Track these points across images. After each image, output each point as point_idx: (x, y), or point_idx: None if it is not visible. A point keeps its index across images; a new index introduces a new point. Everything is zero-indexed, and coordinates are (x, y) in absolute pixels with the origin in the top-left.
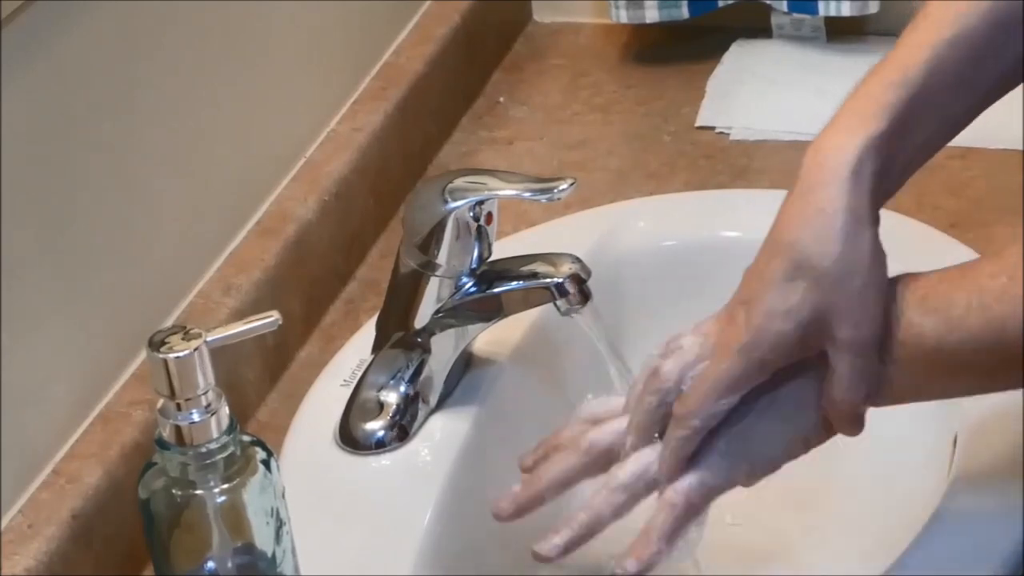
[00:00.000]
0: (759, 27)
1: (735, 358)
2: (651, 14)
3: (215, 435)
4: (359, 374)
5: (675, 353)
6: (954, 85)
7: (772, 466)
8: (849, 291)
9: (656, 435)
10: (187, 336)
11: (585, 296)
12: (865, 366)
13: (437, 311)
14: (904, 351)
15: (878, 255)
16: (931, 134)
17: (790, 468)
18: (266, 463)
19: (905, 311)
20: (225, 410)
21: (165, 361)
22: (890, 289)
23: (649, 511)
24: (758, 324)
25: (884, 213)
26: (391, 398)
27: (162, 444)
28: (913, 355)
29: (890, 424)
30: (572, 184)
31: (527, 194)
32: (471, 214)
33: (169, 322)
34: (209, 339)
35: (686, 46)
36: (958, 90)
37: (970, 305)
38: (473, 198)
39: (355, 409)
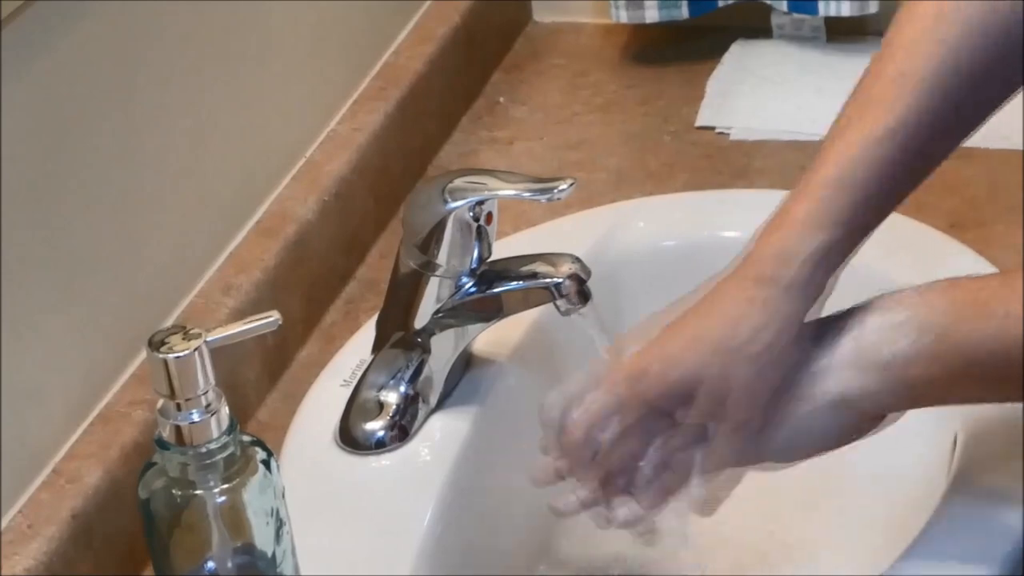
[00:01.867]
0: (759, 27)
1: (617, 391)
2: (651, 14)
3: (215, 435)
4: (359, 374)
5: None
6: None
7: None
8: (748, 376)
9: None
10: (187, 336)
11: (585, 296)
12: (742, 447)
13: (437, 311)
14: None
15: (787, 355)
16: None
17: (789, 468)
18: (266, 463)
19: (954, 323)
20: (225, 410)
21: (165, 361)
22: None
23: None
24: (649, 367)
25: None
26: (391, 398)
27: (162, 444)
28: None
29: (891, 424)
30: (572, 184)
31: (527, 194)
32: (471, 214)
33: (169, 322)
34: (209, 339)
35: (686, 46)
36: (940, 142)
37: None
38: (473, 198)
39: (355, 409)
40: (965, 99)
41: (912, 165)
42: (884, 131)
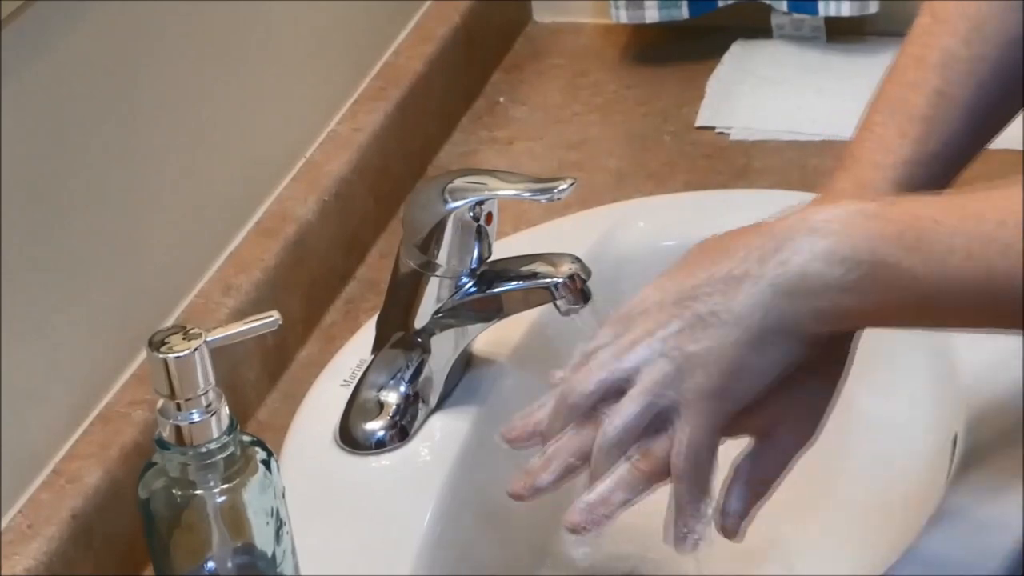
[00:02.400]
0: (759, 27)
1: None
2: (651, 14)
3: (215, 435)
4: (359, 374)
5: None
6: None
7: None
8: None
9: None
10: (187, 336)
11: (585, 296)
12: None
13: (437, 311)
14: (889, 288)
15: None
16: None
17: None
18: (266, 463)
19: (895, 252)
20: (225, 410)
21: (165, 361)
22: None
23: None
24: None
25: None
26: (391, 398)
27: (162, 444)
28: (899, 296)
29: (890, 424)
30: (572, 184)
31: (527, 194)
32: (471, 214)
33: (169, 322)
34: (209, 339)
35: (686, 46)
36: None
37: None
38: (473, 198)
39: (355, 409)
40: (995, 112)
41: (939, 182)
42: (924, 156)
